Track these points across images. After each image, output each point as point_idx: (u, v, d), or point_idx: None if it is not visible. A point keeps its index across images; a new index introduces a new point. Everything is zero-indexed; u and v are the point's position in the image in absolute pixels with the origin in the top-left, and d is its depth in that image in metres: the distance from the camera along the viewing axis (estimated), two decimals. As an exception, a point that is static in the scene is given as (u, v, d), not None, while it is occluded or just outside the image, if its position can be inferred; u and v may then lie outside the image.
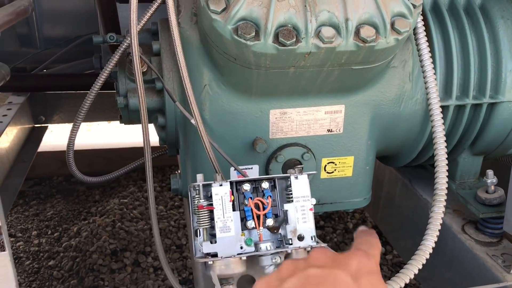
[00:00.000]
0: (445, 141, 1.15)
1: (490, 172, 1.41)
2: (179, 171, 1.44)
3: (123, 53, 1.24)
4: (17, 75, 2.30)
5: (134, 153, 1.62)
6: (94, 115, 2.57)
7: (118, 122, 1.41)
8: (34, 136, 2.48)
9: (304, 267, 0.68)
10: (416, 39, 1.17)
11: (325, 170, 1.34)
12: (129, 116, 1.33)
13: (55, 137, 3.23)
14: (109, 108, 2.57)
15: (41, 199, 2.91)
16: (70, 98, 2.59)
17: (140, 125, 1.21)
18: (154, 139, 1.42)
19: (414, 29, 1.17)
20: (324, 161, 1.33)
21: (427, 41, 1.17)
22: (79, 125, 1.39)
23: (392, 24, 1.05)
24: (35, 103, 2.55)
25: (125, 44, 1.23)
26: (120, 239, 2.47)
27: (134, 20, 1.04)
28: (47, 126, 2.59)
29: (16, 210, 2.79)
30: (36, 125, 2.57)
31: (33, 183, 3.03)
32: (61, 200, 2.89)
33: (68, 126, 1.46)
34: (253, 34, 0.98)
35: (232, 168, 1.24)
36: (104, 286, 2.18)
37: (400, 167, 1.80)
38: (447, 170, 1.15)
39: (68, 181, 3.05)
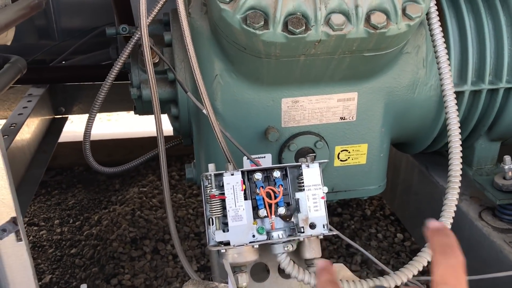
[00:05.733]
0: (460, 126, 1.13)
1: (507, 158, 1.38)
2: (194, 161, 1.45)
3: (135, 44, 1.25)
4: (35, 68, 2.34)
5: (153, 142, 1.66)
6: (111, 105, 2.60)
7: (136, 112, 1.43)
8: (54, 127, 2.53)
9: None
10: (429, 24, 1.15)
11: (338, 158, 1.34)
12: (143, 107, 1.34)
13: (75, 127, 3.28)
14: (127, 99, 2.59)
15: (63, 188, 2.97)
16: (89, 89, 2.62)
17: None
18: (170, 128, 1.44)
19: (427, 14, 1.15)
20: (338, 149, 1.32)
21: (440, 25, 1.15)
22: (94, 116, 1.41)
23: (404, 10, 1.03)
24: (55, 95, 2.58)
25: (137, 35, 1.24)
26: (140, 227, 2.51)
27: (144, 11, 1.04)
28: (67, 117, 2.64)
29: (39, 200, 2.85)
30: (56, 116, 2.61)
31: (55, 173, 3.09)
32: (82, 190, 2.94)
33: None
34: (262, 23, 0.98)
35: (245, 158, 1.25)
36: (124, 273, 2.22)
37: (416, 154, 1.78)
38: (464, 156, 1.13)
39: (88, 171, 3.09)
